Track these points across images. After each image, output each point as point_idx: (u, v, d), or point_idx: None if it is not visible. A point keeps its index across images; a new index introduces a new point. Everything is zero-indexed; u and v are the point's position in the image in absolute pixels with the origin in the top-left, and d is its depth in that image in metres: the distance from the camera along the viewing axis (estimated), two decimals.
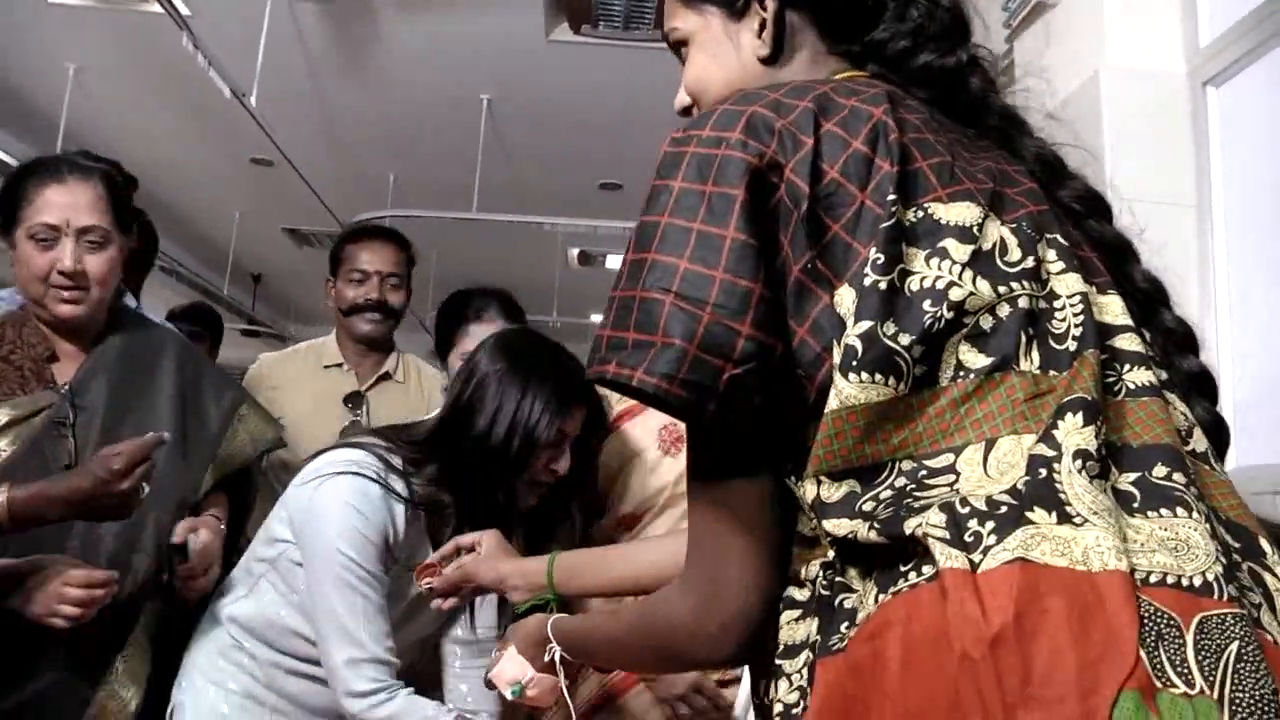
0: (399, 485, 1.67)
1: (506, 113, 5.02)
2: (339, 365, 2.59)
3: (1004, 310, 0.74)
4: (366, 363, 2.60)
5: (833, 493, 0.73)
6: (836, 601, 0.74)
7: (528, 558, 1.55)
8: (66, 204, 1.66)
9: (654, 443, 1.94)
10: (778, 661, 0.77)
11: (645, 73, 4.51)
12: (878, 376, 0.71)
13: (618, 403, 2.01)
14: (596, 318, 9.09)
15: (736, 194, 0.75)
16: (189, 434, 1.76)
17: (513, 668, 1.28)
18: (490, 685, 1.32)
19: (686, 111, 1.02)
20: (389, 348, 2.64)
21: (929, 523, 0.67)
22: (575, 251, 7.05)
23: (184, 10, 3.57)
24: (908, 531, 0.67)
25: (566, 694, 1.25)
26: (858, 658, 0.68)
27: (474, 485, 1.67)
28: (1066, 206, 0.87)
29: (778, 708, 0.76)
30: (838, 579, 0.74)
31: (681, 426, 1.90)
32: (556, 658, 1.16)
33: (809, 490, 0.74)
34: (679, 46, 1.02)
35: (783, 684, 0.76)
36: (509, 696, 1.29)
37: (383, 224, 3.57)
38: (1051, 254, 0.78)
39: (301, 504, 1.67)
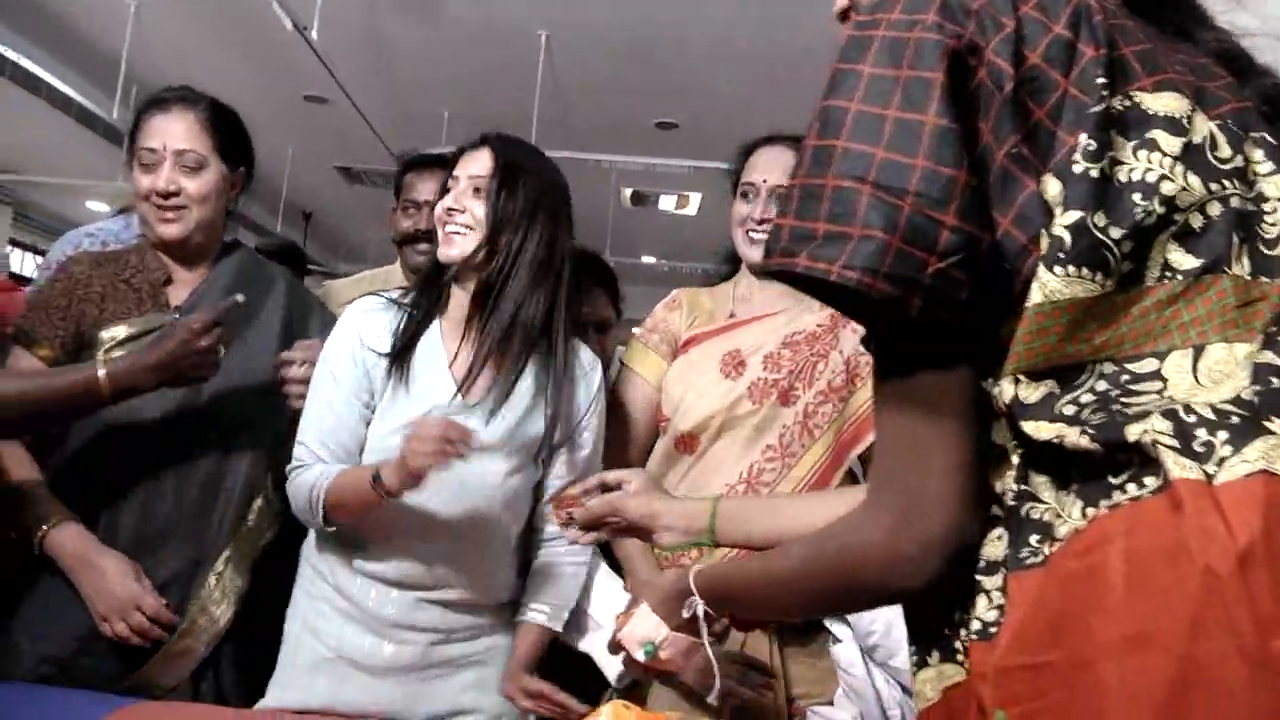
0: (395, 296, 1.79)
1: (563, 50, 4.97)
2: None
3: (1215, 209, 0.70)
4: None
5: (1030, 393, 0.70)
6: (1024, 512, 0.71)
7: (687, 499, 1.49)
8: (165, 130, 1.77)
9: (715, 366, 1.96)
10: (978, 578, 0.73)
11: (704, 11, 4.44)
12: (1085, 271, 0.68)
13: (686, 329, 2.02)
14: (648, 259, 9.03)
15: (935, 77, 0.71)
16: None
17: (645, 626, 1.17)
18: (616, 648, 1.22)
19: (844, 15, 0.95)
20: None
21: (1155, 428, 0.63)
22: (629, 191, 7.00)
23: None
24: (1131, 438, 0.64)
25: (711, 653, 1.13)
26: (1068, 572, 0.65)
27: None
28: (1255, 106, 0.80)
29: (974, 625, 0.72)
30: (1023, 488, 0.71)
31: (744, 352, 1.94)
32: (699, 612, 1.07)
33: (1006, 390, 0.71)
34: None
35: (981, 601, 0.73)
36: (640, 658, 1.17)
37: (444, 154, 3.53)
38: (1259, 153, 0.73)
39: None
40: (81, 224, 2.71)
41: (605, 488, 1.40)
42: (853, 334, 1.93)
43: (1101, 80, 0.71)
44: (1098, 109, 0.70)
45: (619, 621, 1.23)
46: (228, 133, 1.84)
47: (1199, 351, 0.68)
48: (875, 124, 0.71)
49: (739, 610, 1.09)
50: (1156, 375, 0.68)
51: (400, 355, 1.71)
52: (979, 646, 0.71)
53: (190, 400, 1.73)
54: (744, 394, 1.91)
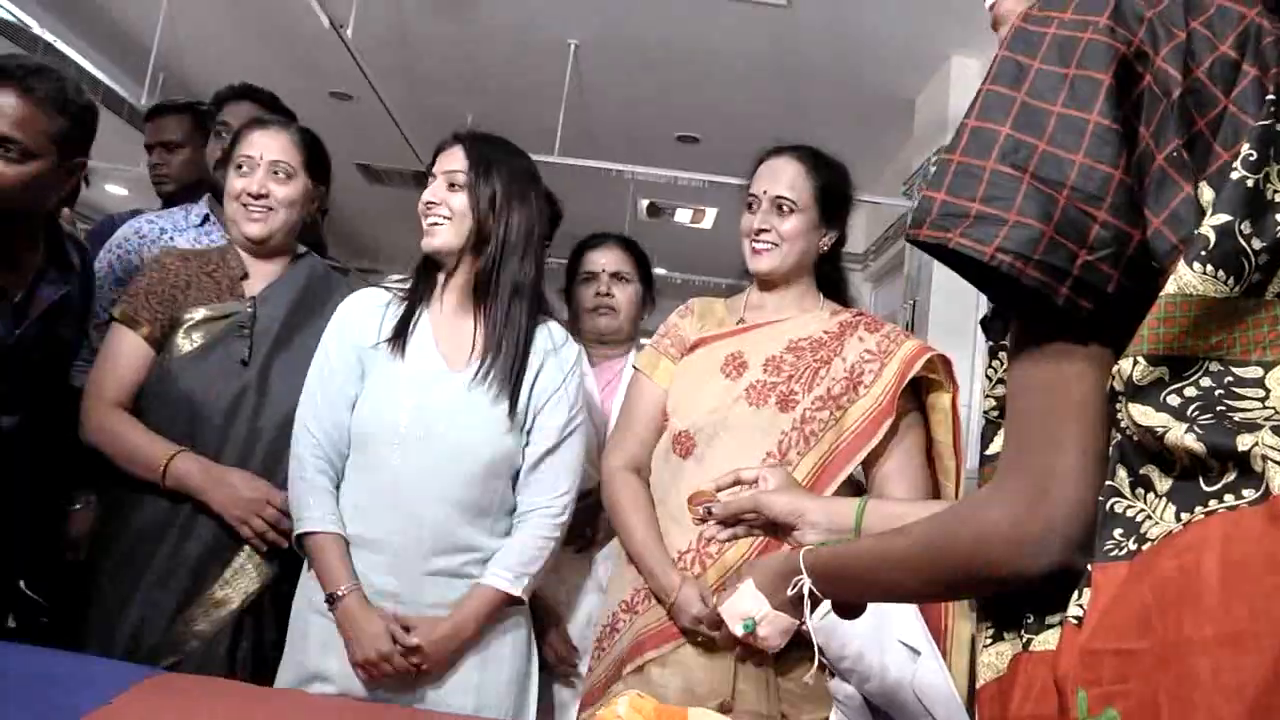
0: (391, 286, 1.99)
1: (591, 60, 5.00)
2: None
3: None
4: None
5: (1145, 375, 0.73)
6: (1109, 506, 0.73)
7: (833, 498, 1.49)
8: (264, 143, 2.06)
9: (717, 366, 1.99)
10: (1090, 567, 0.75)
11: (735, 26, 4.47)
12: (1220, 272, 0.71)
13: (695, 334, 2.05)
14: (660, 270, 9.00)
15: (1103, 79, 0.74)
16: None
17: (746, 602, 1.19)
18: (716, 623, 1.25)
19: None
20: None
21: (1265, 443, 0.66)
22: (645, 202, 7.03)
23: None
24: (1241, 448, 0.67)
25: (813, 634, 1.14)
26: (1160, 570, 0.68)
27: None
28: None
29: (1075, 611, 0.74)
30: (1109, 484, 0.74)
31: (747, 354, 1.96)
32: (805, 590, 1.08)
33: (1124, 368, 0.74)
34: None
35: (1088, 591, 0.74)
36: (738, 633, 1.21)
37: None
38: None
39: None
40: (98, 205, 2.78)
41: (739, 483, 1.40)
42: (858, 342, 1.94)
43: (1272, 97, 0.73)
44: (1262, 123, 0.73)
45: (721, 596, 1.25)
46: (314, 152, 2.12)
47: None
48: (1040, 117, 0.75)
49: (848, 592, 1.10)
50: (1260, 383, 0.72)
51: (397, 335, 1.88)
52: (1071, 629, 0.74)
53: (254, 387, 1.96)
54: (742, 395, 1.93)
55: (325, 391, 1.87)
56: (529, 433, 1.91)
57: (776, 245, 2.00)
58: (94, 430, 1.94)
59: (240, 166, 2.04)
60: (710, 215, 7.18)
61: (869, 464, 1.91)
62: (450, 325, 1.91)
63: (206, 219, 2.49)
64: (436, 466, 1.81)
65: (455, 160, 1.90)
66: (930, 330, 4.10)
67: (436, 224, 1.88)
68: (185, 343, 1.96)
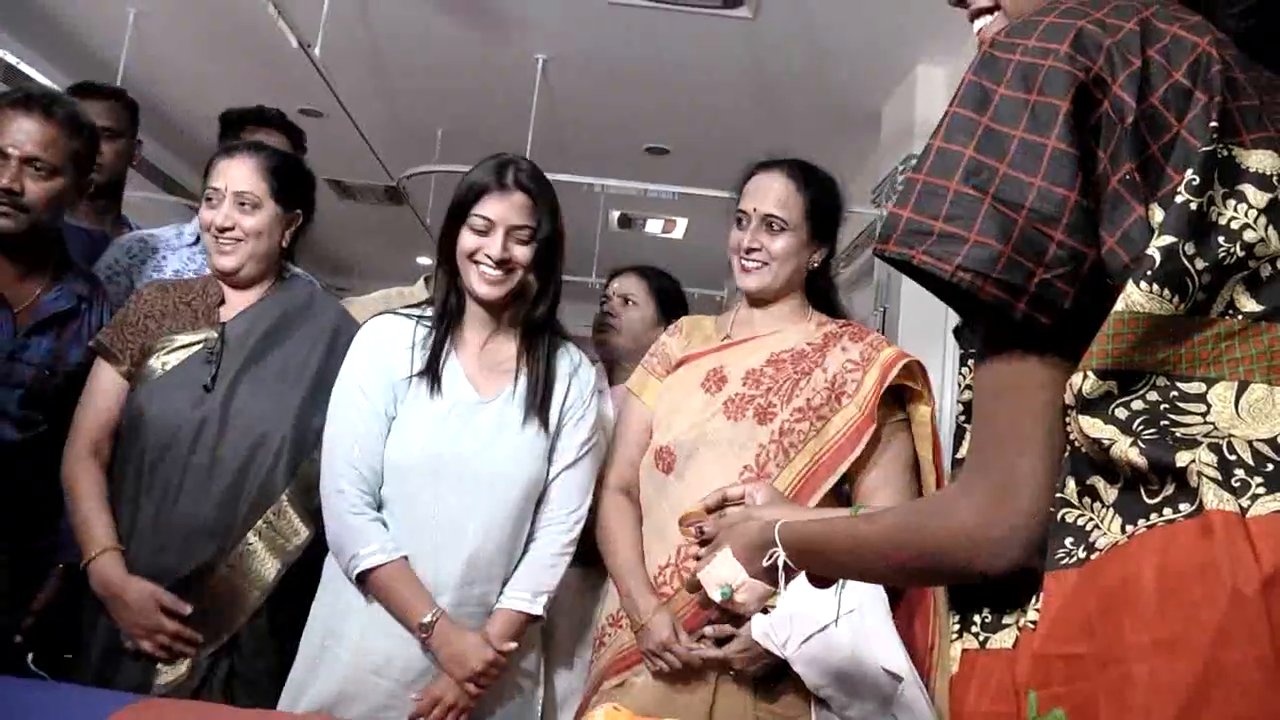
0: (411, 312, 1.96)
1: (559, 73, 5.02)
2: None
3: None
4: None
5: (1095, 389, 0.77)
6: (1060, 516, 0.77)
7: (823, 509, 1.49)
8: (228, 173, 2.04)
9: (698, 382, 1.99)
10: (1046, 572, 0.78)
11: (701, 39, 4.50)
12: (1166, 291, 0.75)
13: (681, 351, 2.06)
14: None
15: (1061, 105, 0.78)
16: (326, 379, 1.98)
17: (725, 570, 1.21)
18: (694, 587, 1.27)
19: (979, 12, 1.03)
20: None
21: (1202, 460, 0.71)
22: (617, 214, 7.05)
23: None
24: (1180, 464, 0.71)
25: (786, 603, 1.16)
26: (1106, 582, 0.72)
27: (440, 286, 1.96)
28: None
29: (1032, 616, 0.78)
30: (1060, 496, 0.78)
31: (728, 369, 1.97)
32: (780, 563, 1.11)
33: (1075, 380, 0.77)
34: None
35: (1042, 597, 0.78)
36: (716, 599, 1.23)
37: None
38: None
39: None
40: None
41: (726, 501, 1.40)
42: (841, 352, 1.94)
43: (1214, 124, 0.77)
44: (1206, 149, 0.77)
45: (698, 564, 1.27)
46: (286, 179, 2.10)
47: (1243, 387, 0.76)
48: (1002, 140, 0.78)
49: (819, 568, 1.14)
50: (1202, 399, 0.76)
51: (431, 366, 1.87)
52: (1028, 634, 0.78)
53: (217, 414, 1.94)
54: (719, 409, 1.92)
55: (363, 425, 1.85)
56: (554, 449, 1.93)
57: (766, 264, 1.98)
58: (64, 477, 1.97)
59: (209, 198, 2.04)
60: (681, 225, 7.20)
61: (853, 474, 1.89)
62: (479, 353, 1.93)
63: (199, 239, 2.49)
64: (475, 497, 1.82)
65: (520, 211, 1.90)
66: (901, 337, 4.13)
67: (500, 279, 1.90)
68: (155, 369, 1.97)
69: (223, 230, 2.02)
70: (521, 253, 1.90)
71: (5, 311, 2.08)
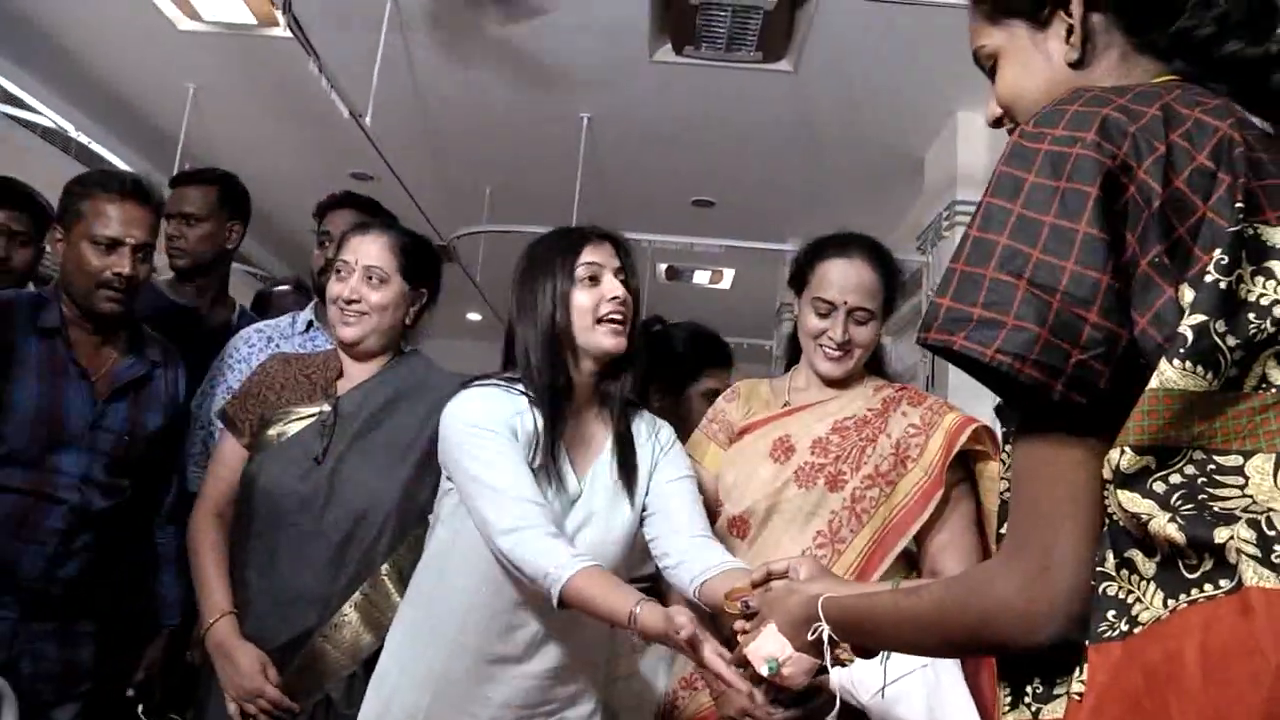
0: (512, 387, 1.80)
1: (604, 130, 5.11)
2: None
3: None
4: None
5: (1132, 464, 0.78)
6: (1100, 590, 0.78)
7: (865, 583, 1.49)
8: (360, 248, 2.10)
9: (766, 451, 2.00)
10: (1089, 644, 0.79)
11: (744, 93, 4.57)
12: (1199, 369, 0.76)
13: (742, 419, 2.07)
14: None
15: (1090, 191, 0.80)
16: (435, 454, 1.89)
17: (770, 644, 1.22)
18: (742, 662, 1.26)
19: (998, 122, 1.06)
20: None
21: (1240, 537, 0.71)
22: (664, 266, 7.11)
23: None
24: (1218, 540, 0.72)
25: (832, 675, 1.16)
26: (1150, 658, 0.73)
27: (547, 364, 1.78)
28: None
29: (1077, 687, 0.79)
30: (1100, 569, 0.79)
31: (794, 438, 1.97)
32: (825, 636, 1.12)
33: (1113, 456, 0.79)
34: (987, 62, 1.05)
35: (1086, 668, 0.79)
36: (764, 673, 1.23)
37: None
38: None
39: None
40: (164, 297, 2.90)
41: (771, 576, 1.39)
42: (902, 417, 1.94)
43: (1240, 205, 0.79)
44: (1233, 229, 0.78)
45: (743, 639, 1.28)
46: (414, 257, 2.14)
47: None
48: (1034, 227, 0.81)
49: (863, 640, 1.14)
50: (1239, 471, 0.77)
51: (554, 457, 1.76)
52: (1074, 705, 0.79)
53: (325, 485, 1.98)
54: (791, 478, 1.94)
55: (518, 468, 1.70)
56: (647, 509, 1.86)
57: (851, 353, 2.00)
58: (189, 537, 2.07)
59: (339, 272, 2.09)
60: (729, 276, 7.24)
61: (921, 537, 1.89)
62: (572, 432, 1.84)
63: (310, 325, 2.60)
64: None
65: (607, 254, 1.85)
66: (950, 384, 4.11)
67: (620, 328, 1.81)
68: (273, 439, 2.03)
69: (350, 303, 2.07)
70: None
71: (85, 383, 2.17)
